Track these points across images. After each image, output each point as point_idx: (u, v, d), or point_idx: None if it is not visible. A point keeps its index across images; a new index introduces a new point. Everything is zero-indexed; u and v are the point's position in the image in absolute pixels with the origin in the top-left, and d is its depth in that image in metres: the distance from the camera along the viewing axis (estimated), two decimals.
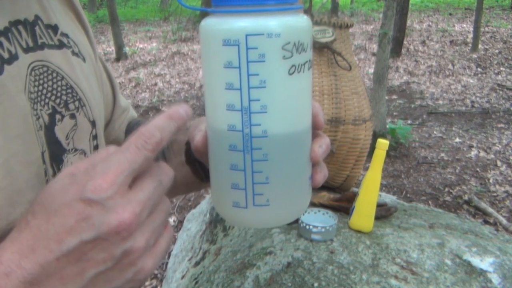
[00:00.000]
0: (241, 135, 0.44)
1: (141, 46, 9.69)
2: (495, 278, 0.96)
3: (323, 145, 0.48)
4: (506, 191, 3.42)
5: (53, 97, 0.53)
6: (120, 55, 8.56)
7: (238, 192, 0.46)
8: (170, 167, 0.42)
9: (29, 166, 0.47)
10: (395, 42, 7.48)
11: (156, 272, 2.59)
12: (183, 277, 1.32)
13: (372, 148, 1.13)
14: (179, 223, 2.97)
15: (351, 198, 1.22)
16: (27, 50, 0.51)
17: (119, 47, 8.60)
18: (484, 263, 1.01)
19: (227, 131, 0.44)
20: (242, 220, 0.48)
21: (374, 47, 8.20)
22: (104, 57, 8.79)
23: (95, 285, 0.38)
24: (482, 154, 4.12)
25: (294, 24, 0.43)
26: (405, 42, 8.45)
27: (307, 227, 1.06)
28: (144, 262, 0.39)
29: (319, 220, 1.09)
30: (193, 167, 0.66)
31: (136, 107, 6.07)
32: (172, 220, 3.07)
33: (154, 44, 9.79)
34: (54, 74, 0.54)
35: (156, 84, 7.19)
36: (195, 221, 1.63)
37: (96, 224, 0.36)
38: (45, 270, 0.36)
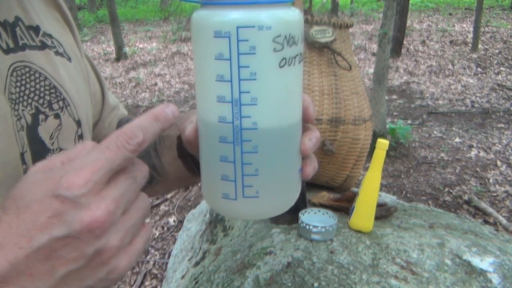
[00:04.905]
0: (231, 127, 0.44)
1: (141, 46, 9.69)
2: (495, 278, 0.96)
3: (313, 138, 0.49)
4: (506, 191, 3.42)
5: (36, 97, 0.53)
6: (120, 55, 8.57)
7: (228, 184, 0.46)
8: (145, 164, 0.41)
9: (5, 166, 0.47)
10: (395, 42, 7.47)
11: (156, 272, 2.59)
12: (183, 277, 1.32)
13: (372, 148, 1.13)
14: (179, 223, 2.96)
15: (351, 198, 1.22)
16: (7, 51, 0.51)
17: (119, 47, 8.61)
18: (484, 263, 1.01)
19: (218, 122, 0.44)
20: (231, 211, 0.48)
21: (374, 47, 8.20)
22: (104, 57, 8.86)
23: (67, 283, 0.37)
24: (482, 154, 4.11)
25: (285, 17, 0.43)
26: (405, 42, 8.45)
27: (307, 227, 1.06)
28: (118, 262, 0.38)
29: (319, 220, 1.09)
30: (185, 161, 0.66)
31: (136, 107, 6.08)
32: (172, 220, 3.07)
33: (154, 44, 9.79)
34: (37, 75, 0.54)
35: (156, 84, 7.20)
36: (195, 221, 1.63)
37: (68, 221, 0.35)
38: (14, 267, 0.35)
